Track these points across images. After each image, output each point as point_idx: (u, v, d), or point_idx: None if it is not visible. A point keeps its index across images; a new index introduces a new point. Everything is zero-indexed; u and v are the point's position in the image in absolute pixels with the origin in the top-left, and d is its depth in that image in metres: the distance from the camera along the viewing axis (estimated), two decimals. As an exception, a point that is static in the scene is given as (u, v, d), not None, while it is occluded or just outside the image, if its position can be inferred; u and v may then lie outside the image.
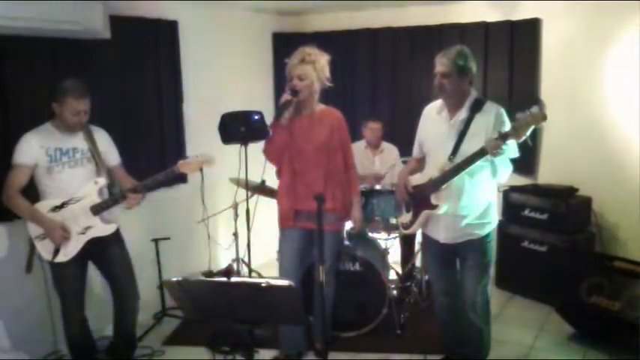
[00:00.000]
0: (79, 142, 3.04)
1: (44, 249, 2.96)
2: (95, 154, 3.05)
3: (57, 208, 2.94)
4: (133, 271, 3.25)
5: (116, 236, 3.16)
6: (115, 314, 3.28)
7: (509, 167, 2.91)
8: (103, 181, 3.03)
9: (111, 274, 3.20)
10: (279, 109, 3.12)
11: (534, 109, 2.59)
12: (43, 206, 2.95)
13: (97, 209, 2.99)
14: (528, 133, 2.61)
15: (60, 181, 2.97)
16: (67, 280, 3.04)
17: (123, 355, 3.33)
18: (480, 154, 2.72)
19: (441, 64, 2.86)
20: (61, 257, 2.96)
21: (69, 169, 2.99)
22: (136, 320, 3.35)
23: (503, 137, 2.66)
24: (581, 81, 4.34)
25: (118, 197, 3.03)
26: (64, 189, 2.97)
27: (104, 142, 3.16)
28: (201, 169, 3.33)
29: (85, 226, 2.98)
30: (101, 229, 3.02)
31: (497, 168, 2.85)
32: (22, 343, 3.42)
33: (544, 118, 2.59)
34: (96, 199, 3.00)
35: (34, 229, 2.96)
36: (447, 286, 3.20)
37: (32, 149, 2.93)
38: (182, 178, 4.45)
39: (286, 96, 3.11)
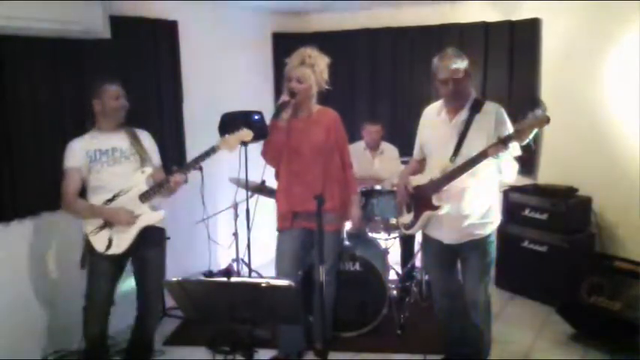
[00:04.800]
0: (119, 142, 3.09)
1: (98, 242, 3.02)
2: (140, 151, 3.11)
3: (108, 201, 3.02)
4: (161, 281, 3.26)
5: (160, 243, 3.23)
6: (136, 320, 3.28)
7: (515, 165, 2.90)
8: (149, 169, 3.09)
9: (142, 276, 3.21)
10: (277, 109, 3.12)
11: (538, 112, 2.58)
12: (97, 200, 3.03)
13: (145, 197, 3.05)
14: (531, 136, 2.60)
15: (99, 180, 3.04)
16: (102, 276, 3.06)
17: (138, 357, 3.33)
18: (482, 156, 2.72)
19: (450, 70, 2.81)
20: (114, 249, 3.02)
21: (108, 167, 3.05)
22: (153, 329, 3.36)
23: (506, 140, 2.65)
24: (582, 81, 4.34)
25: (162, 182, 3.08)
26: (104, 187, 3.04)
27: (148, 142, 3.22)
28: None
29: (135, 215, 3.03)
30: (150, 216, 3.07)
31: (502, 167, 2.84)
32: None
33: (547, 121, 2.58)
34: (143, 188, 3.06)
35: (88, 225, 3.03)
36: (447, 287, 3.19)
37: (76, 153, 3.03)
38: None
39: (284, 97, 3.10)
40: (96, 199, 3.03)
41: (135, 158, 3.10)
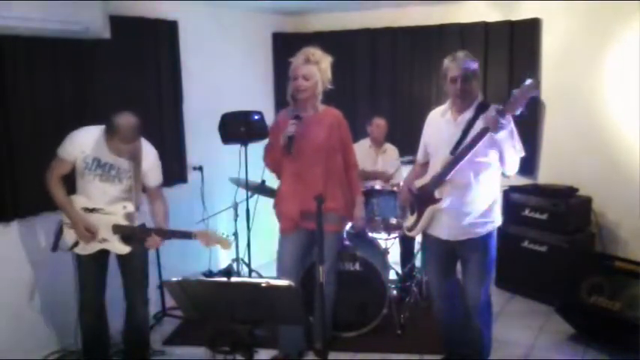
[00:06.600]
0: (121, 161, 3.05)
1: (68, 236, 3.07)
2: (134, 175, 3.07)
3: (87, 210, 3.03)
4: (144, 275, 3.28)
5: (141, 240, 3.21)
6: (125, 314, 3.29)
7: (516, 158, 2.91)
8: (130, 208, 3.06)
9: (124, 271, 3.22)
10: (289, 143, 3.07)
11: (527, 82, 2.68)
12: (78, 201, 3.05)
13: (117, 230, 3.05)
14: (523, 105, 2.68)
15: (86, 190, 3.05)
16: (87, 267, 3.10)
17: (135, 355, 3.34)
18: (482, 133, 2.76)
19: (461, 68, 2.86)
20: (79, 250, 3.06)
21: (99, 182, 3.03)
22: (145, 322, 3.36)
23: (501, 112, 2.70)
24: (582, 81, 4.34)
25: (139, 236, 3.07)
26: (89, 197, 3.04)
27: (150, 162, 3.14)
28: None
29: (103, 238, 3.05)
30: (116, 247, 3.08)
31: (505, 157, 2.86)
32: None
33: (537, 86, 2.66)
34: (120, 221, 3.05)
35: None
36: (446, 287, 3.19)
37: (74, 149, 3.00)
38: (182, 179, 4.46)
39: (292, 128, 3.06)
40: (80, 200, 3.04)
41: (127, 183, 3.07)
